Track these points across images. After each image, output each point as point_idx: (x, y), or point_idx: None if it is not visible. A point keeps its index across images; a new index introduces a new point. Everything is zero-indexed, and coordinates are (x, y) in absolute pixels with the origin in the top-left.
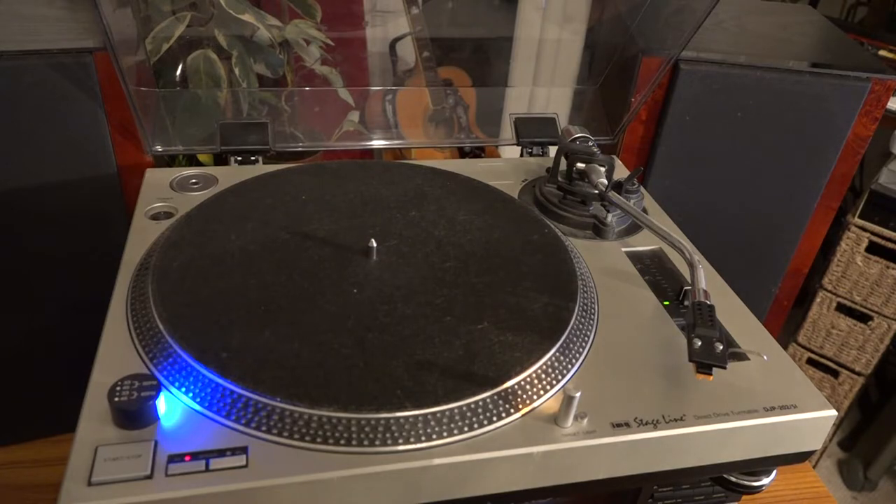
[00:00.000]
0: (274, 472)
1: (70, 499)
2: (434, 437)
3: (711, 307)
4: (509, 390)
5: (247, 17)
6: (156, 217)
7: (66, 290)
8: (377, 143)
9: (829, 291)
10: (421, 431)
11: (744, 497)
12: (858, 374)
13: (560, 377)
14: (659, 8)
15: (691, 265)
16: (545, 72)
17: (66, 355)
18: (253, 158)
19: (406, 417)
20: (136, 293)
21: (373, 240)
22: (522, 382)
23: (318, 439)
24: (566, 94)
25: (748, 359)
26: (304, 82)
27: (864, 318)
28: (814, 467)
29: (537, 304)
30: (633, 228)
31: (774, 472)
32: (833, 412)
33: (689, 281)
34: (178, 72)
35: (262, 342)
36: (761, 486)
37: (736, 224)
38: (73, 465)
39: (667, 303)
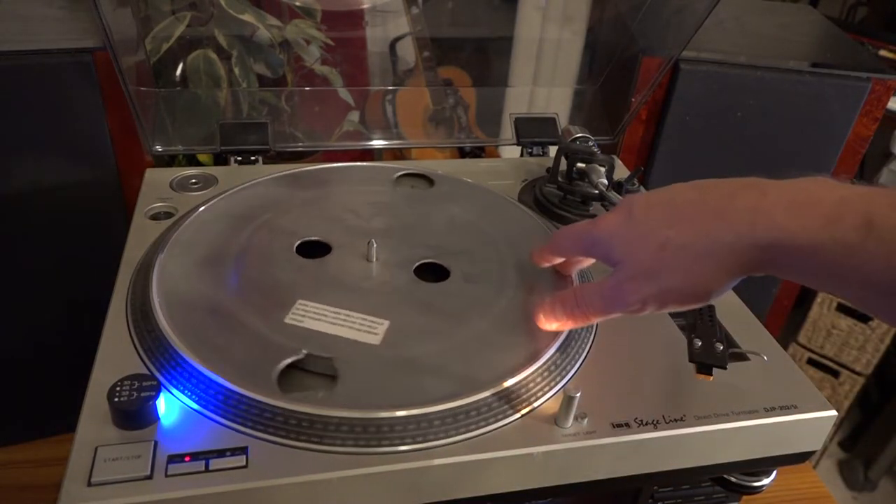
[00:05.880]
0: (274, 472)
1: (70, 499)
2: (434, 437)
3: (711, 307)
4: (509, 390)
5: (247, 17)
6: (156, 217)
7: (66, 290)
8: (377, 143)
9: None
10: (421, 432)
11: (744, 497)
12: (859, 374)
13: (560, 377)
14: (659, 8)
15: None
16: (545, 72)
17: (66, 355)
18: (253, 158)
19: (406, 418)
20: (136, 293)
21: (372, 240)
22: (522, 383)
23: (318, 439)
24: (566, 94)
25: (748, 359)
26: (304, 82)
27: (864, 318)
28: (814, 467)
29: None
30: None
31: (774, 472)
32: (833, 412)
33: None
34: (178, 72)
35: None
36: (761, 486)
37: None
38: (73, 466)
39: None
